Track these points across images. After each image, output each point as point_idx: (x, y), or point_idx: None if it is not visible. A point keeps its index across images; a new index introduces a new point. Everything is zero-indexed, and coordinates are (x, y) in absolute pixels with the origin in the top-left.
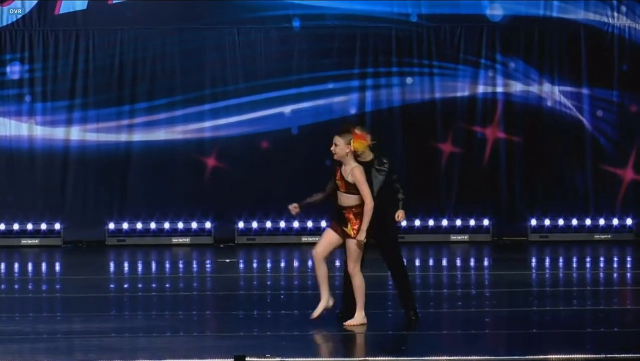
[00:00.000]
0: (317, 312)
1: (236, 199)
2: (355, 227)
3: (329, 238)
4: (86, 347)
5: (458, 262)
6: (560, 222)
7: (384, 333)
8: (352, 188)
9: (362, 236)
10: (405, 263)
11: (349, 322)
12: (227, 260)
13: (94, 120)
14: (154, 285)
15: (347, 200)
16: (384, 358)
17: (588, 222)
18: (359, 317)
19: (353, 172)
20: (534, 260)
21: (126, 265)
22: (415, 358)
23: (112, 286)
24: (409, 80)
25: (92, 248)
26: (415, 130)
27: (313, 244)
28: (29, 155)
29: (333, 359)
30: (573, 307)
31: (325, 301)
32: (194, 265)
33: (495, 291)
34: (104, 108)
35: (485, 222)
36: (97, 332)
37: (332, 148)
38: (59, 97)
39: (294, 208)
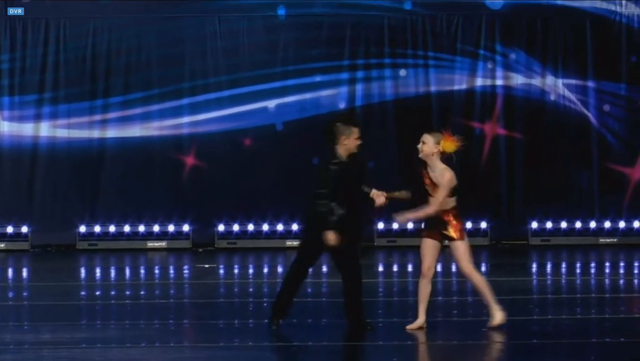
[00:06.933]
0: (413, 326)
1: (216, 200)
2: (458, 228)
3: (431, 251)
4: (55, 359)
5: (453, 268)
6: (563, 224)
7: (377, 344)
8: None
9: (464, 236)
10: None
11: (493, 323)
12: (207, 266)
13: (64, 116)
14: (128, 292)
15: (443, 203)
16: None
17: (593, 224)
18: (498, 315)
19: (443, 173)
20: (534, 265)
21: (98, 270)
22: None
23: (83, 293)
24: (402, 72)
25: (62, 253)
26: (408, 126)
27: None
28: None
29: None
30: (577, 316)
31: (422, 321)
32: (171, 271)
33: None
34: (76, 102)
35: (483, 225)
36: (67, 343)
37: (420, 145)
38: (27, 91)
39: (380, 196)
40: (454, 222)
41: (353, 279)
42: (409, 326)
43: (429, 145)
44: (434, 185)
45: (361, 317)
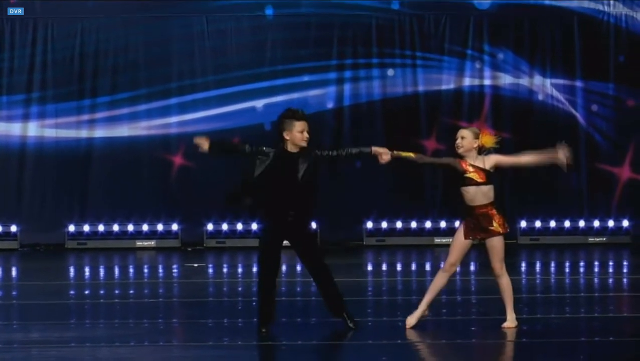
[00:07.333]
0: (413, 320)
1: (205, 200)
2: (501, 222)
3: (461, 251)
4: (44, 358)
5: (442, 266)
6: (552, 223)
7: (366, 343)
8: (492, 176)
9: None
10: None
11: (506, 325)
12: (195, 265)
13: (52, 115)
14: (117, 292)
15: (485, 195)
16: None
17: (582, 223)
18: (510, 320)
19: (490, 157)
20: (523, 264)
21: (87, 270)
22: None
23: (72, 292)
24: (390, 72)
25: (51, 252)
26: (396, 126)
27: (286, 247)
28: None
29: None
30: (566, 315)
31: (422, 311)
32: (160, 270)
33: (482, 298)
34: (64, 102)
35: None
36: (56, 342)
37: (458, 141)
38: (15, 91)
39: (385, 153)
40: (497, 216)
41: (323, 275)
42: (409, 322)
43: (469, 140)
44: (481, 170)
45: (346, 310)
